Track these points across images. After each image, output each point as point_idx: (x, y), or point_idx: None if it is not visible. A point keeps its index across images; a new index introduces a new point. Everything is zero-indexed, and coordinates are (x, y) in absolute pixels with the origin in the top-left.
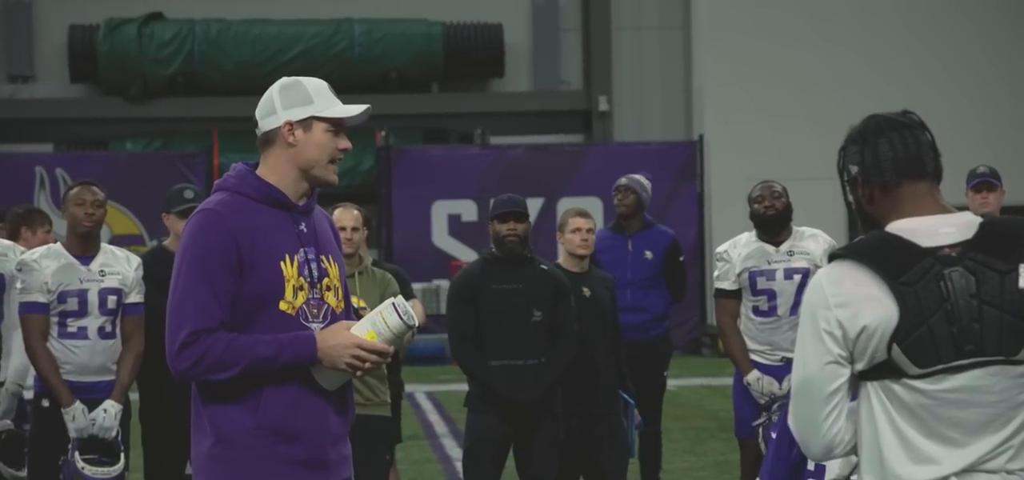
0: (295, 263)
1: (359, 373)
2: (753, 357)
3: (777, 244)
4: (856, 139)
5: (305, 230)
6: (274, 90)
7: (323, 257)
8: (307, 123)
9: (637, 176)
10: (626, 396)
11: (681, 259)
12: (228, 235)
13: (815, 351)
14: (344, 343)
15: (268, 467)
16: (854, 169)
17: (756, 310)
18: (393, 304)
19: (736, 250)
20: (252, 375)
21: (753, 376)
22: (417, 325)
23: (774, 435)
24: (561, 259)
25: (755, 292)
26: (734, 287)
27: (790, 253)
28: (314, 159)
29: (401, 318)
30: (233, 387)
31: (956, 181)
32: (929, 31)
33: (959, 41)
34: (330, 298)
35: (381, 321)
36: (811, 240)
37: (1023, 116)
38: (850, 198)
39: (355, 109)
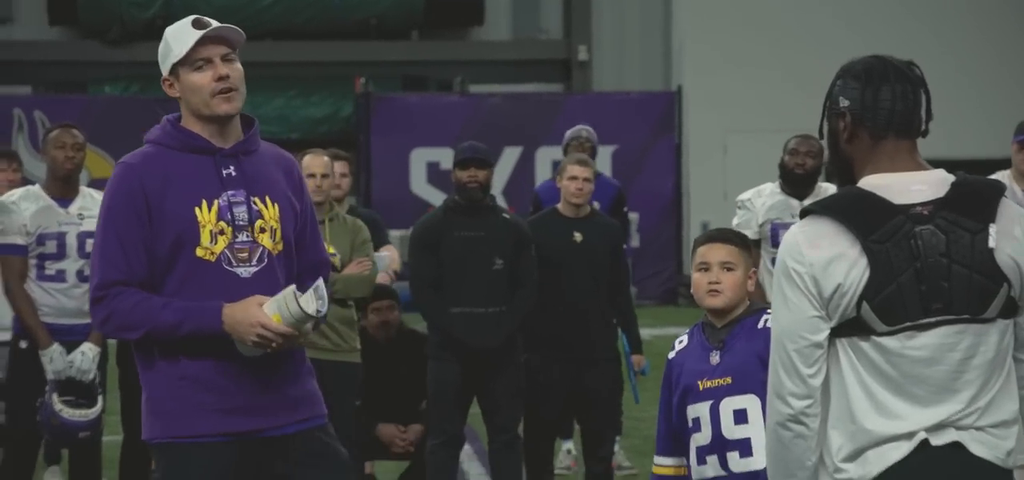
0: (214, 208)
1: (269, 350)
2: None
3: (801, 198)
4: (859, 75)
5: (233, 173)
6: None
7: (256, 199)
8: (174, 72)
9: (586, 127)
10: (626, 342)
11: (625, 210)
12: (136, 186)
13: (797, 303)
14: (249, 321)
15: (198, 416)
16: (846, 103)
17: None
18: (294, 292)
19: (760, 199)
20: (157, 339)
21: None
22: (321, 316)
23: None
24: (560, 203)
25: (776, 245)
26: (754, 237)
27: None
28: (197, 102)
29: (301, 307)
30: (157, 340)
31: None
32: None
33: None
34: (265, 240)
35: (285, 306)
36: None
37: (1003, 72)
38: (827, 127)
39: (193, 35)
